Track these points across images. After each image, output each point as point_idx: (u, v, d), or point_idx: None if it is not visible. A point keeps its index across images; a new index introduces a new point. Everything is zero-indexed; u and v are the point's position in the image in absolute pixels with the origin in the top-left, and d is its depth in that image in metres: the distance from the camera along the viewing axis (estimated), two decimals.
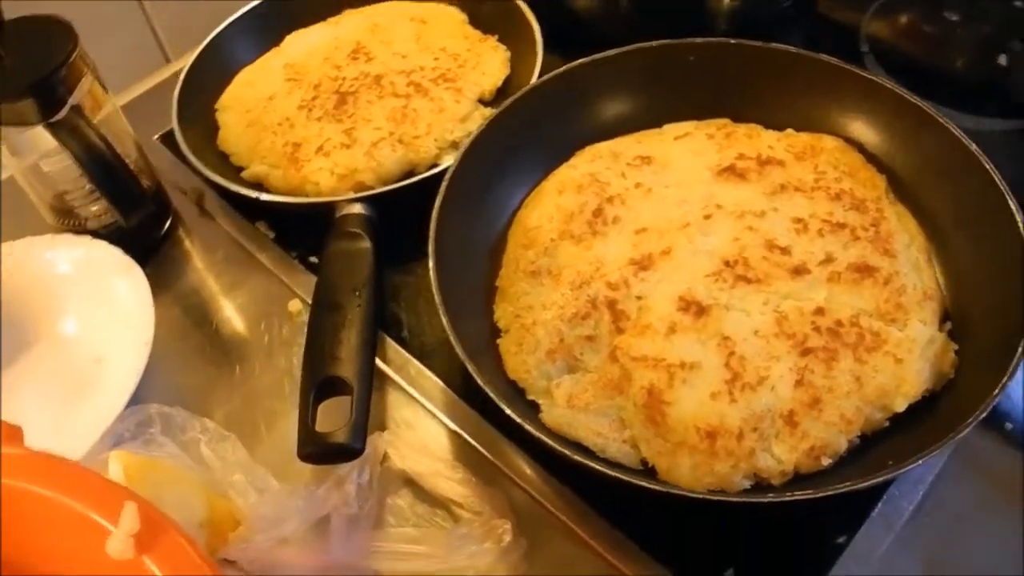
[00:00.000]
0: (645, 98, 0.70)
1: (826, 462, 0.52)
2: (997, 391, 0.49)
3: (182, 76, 0.76)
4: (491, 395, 0.52)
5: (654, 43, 0.68)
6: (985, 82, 0.76)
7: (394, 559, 0.51)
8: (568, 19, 0.78)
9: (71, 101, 0.61)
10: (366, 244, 0.62)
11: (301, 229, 0.70)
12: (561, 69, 0.67)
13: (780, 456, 0.52)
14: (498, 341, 0.59)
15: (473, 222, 0.64)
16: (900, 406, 0.53)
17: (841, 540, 0.52)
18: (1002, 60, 0.76)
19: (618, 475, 0.50)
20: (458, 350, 0.53)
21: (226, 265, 0.70)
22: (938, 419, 0.53)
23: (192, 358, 0.65)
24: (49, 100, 0.60)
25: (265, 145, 0.73)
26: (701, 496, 0.50)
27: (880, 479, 0.47)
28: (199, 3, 0.85)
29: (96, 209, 0.67)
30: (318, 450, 0.50)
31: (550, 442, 0.51)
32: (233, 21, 0.81)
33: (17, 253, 0.65)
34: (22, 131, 0.61)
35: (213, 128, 0.77)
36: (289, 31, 0.83)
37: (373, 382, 0.54)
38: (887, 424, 0.54)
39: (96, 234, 0.67)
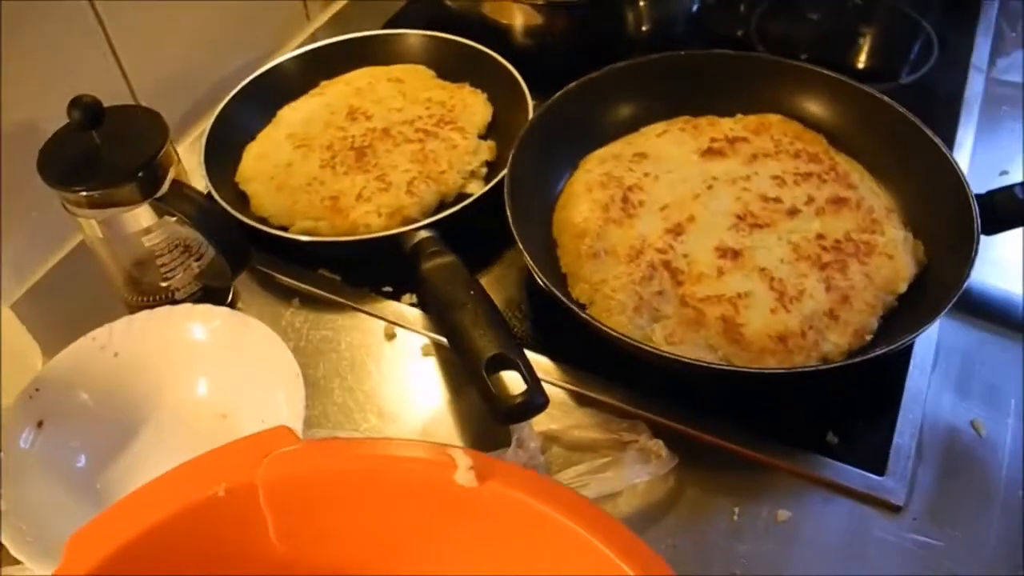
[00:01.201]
0: (625, 107, 0.85)
1: (868, 338, 0.68)
2: (968, 269, 0.67)
3: (203, 148, 0.83)
4: (618, 335, 0.65)
5: (627, 62, 0.84)
6: (851, 59, 0.99)
7: (578, 488, 0.62)
8: (514, 58, 0.92)
9: (170, 177, 0.67)
10: (452, 256, 0.71)
11: (364, 267, 0.79)
12: (563, 91, 0.81)
13: (836, 341, 0.68)
14: (586, 314, 0.71)
15: (530, 220, 0.75)
16: (903, 288, 0.71)
17: (897, 388, 0.68)
18: (860, 41, 1.00)
19: (738, 368, 0.65)
20: (575, 310, 0.66)
21: (304, 311, 0.77)
22: (930, 294, 0.70)
23: (315, 395, 0.71)
24: (152, 180, 0.66)
25: (303, 203, 0.81)
26: (813, 368, 0.64)
27: (921, 330, 0.64)
28: (180, 94, 0.92)
29: (184, 278, 0.72)
30: (512, 410, 0.59)
31: (681, 357, 0.64)
32: (230, 99, 0.88)
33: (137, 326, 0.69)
34: (124, 211, 0.66)
35: (238, 200, 0.83)
36: (278, 106, 0.91)
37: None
38: (896, 304, 0.71)
39: (180, 302, 0.73)
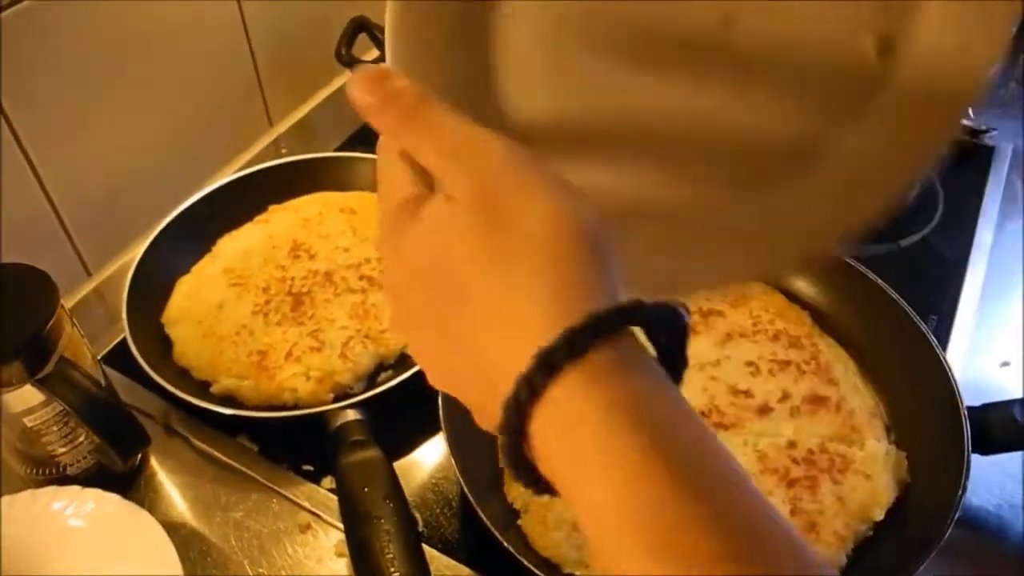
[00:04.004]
0: None
1: None
2: (960, 494, 0.59)
3: (126, 287, 0.76)
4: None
5: None
6: None
7: None
8: None
9: (57, 354, 0.60)
10: (376, 451, 0.64)
11: (287, 438, 0.71)
12: None
13: None
14: (519, 522, 0.63)
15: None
16: (879, 516, 0.63)
17: None
18: None
19: None
20: (495, 534, 0.57)
21: (216, 486, 0.69)
22: (913, 521, 0.62)
23: None
24: (37, 358, 0.59)
25: (228, 356, 0.74)
26: None
27: None
28: (118, 213, 0.85)
29: (76, 453, 0.65)
30: None
31: None
32: (163, 228, 0.81)
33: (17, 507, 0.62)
34: (5, 391, 0.59)
35: (163, 343, 0.77)
36: (219, 235, 0.84)
37: None
38: (870, 533, 0.63)
39: (75, 479, 0.66)
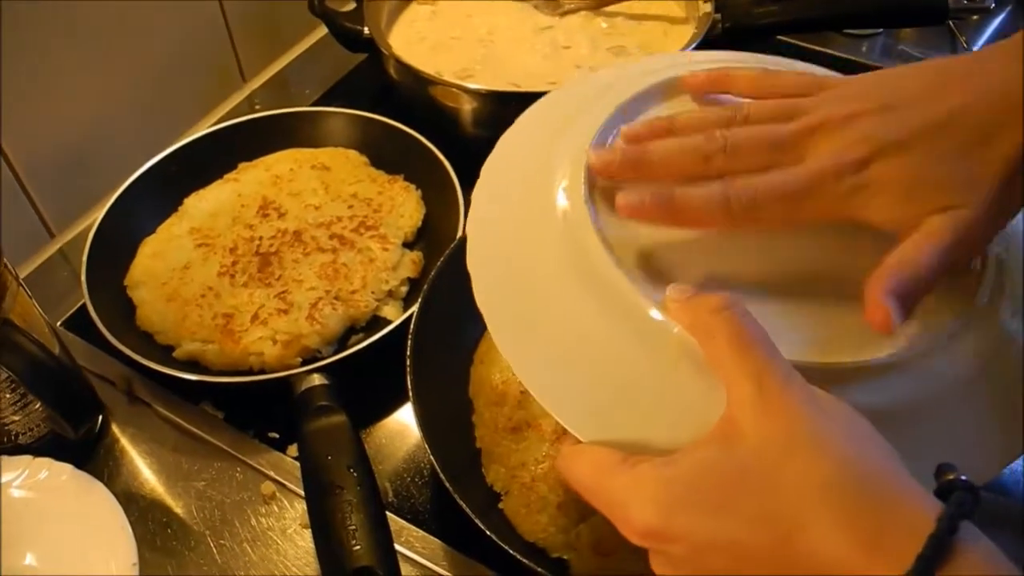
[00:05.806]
0: None
1: None
2: None
3: (86, 250, 0.73)
4: (527, 563, 0.53)
5: None
6: None
7: None
8: (462, 148, 0.80)
9: (0, 316, 0.57)
10: (341, 416, 0.61)
11: (252, 404, 0.68)
12: None
13: None
14: (500, 505, 0.60)
15: (442, 377, 0.64)
16: None
17: None
18: None
19: None
20: (476, 520, 0.53)
21: (178, 455, 0.66)
22: None
23: (167, 566, 0.61)
24: None
25: (193, 320, 0.70)
26: None
27: None
28: (81, 171, 0.82)
29: (29, 421, 0.62)
30: None
31: None
32: (128, 187, 0.78)
33: None
34: None
35: (126, 307, 0.73)
36: (186, 194, 0.80)
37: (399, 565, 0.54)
38: None
39: (29, 448, 0.63)
